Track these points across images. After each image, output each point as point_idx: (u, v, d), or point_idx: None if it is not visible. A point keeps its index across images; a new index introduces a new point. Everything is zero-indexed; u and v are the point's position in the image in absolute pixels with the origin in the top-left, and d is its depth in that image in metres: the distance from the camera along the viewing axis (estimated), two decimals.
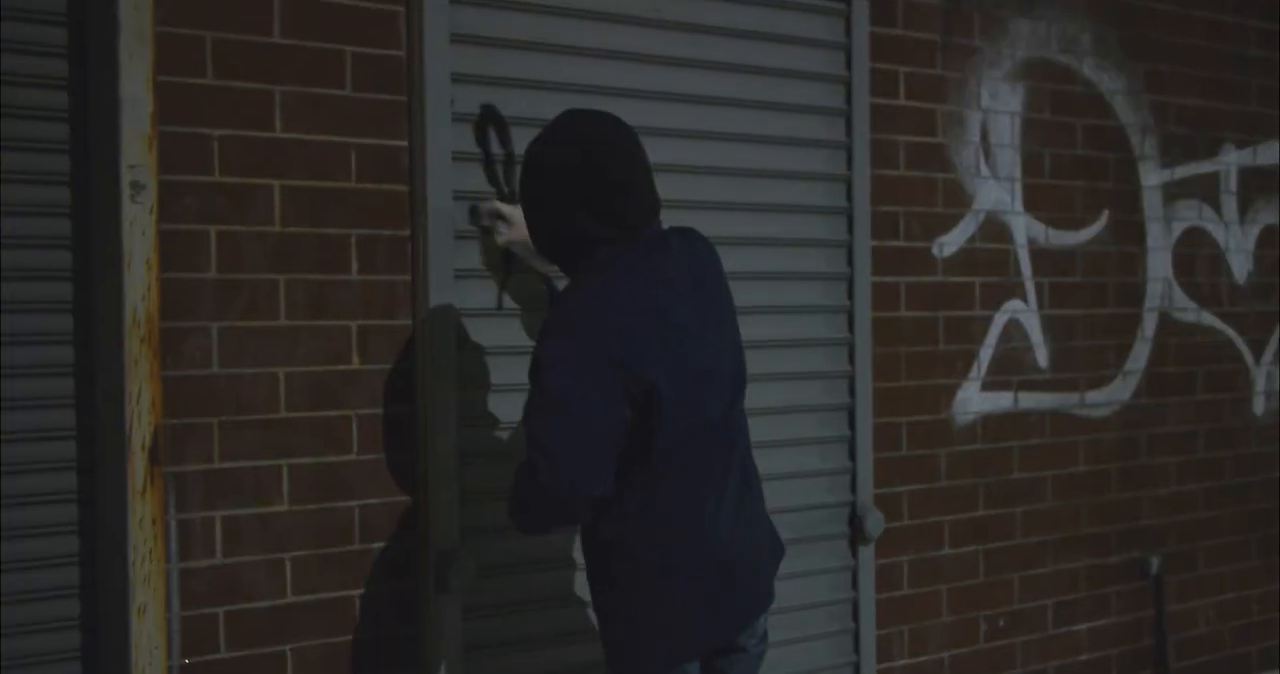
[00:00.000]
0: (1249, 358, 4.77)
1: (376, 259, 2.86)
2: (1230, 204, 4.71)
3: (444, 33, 2.89)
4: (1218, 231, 4.67)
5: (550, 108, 3.02)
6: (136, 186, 2.59)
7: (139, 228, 2.59)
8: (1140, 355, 4.41)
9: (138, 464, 2.59)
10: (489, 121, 2.98)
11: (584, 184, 2.41)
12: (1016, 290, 4.06)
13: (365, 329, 2.84)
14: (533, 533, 2.56)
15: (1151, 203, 4.45)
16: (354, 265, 2.83)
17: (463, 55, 2.93)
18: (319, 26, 2.79)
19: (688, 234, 2.57)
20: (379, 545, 2.85)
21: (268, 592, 2.72)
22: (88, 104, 2.63)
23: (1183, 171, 4.53)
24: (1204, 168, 4.60)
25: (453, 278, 2.91)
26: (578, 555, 3.06)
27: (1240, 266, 4.74)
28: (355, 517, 2.83)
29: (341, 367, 2.81)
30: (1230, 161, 4.68)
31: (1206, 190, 4.62)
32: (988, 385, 3.98)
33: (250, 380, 2.71)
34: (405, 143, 2.89)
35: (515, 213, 2.77)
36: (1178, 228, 4.53)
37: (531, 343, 3.00)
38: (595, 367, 2.31)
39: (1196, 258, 4.59)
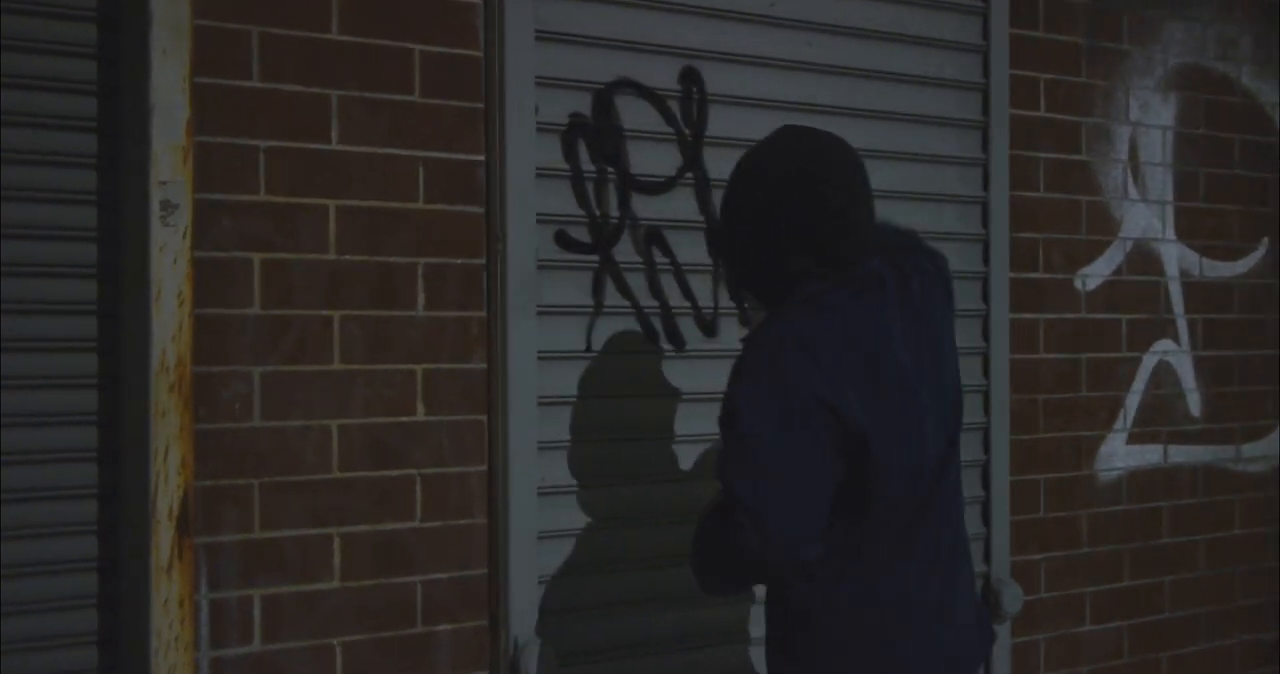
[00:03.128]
0: None
1: (446, 292, 2.49)
2: None
3: (527, 29, 2.51)
4: None
5: (648, 117, 2.65)
6: (168, 206, 2.22)
7: (170, 255, 2.23)
8: None
9: (164, 535, 2.21)
10: (579, 132, 2.59)
11: (802, 210, 2.10)
12: (1167, 329, 3.59)
13: (432, 374, 2.47)
14: (722, 595, 2.38)
15: None
16: (420, 299, 2.46)
17: (549, 55, 2.54)
18: (383, 21, 2.44)
19: (906, 261, 2.23)
20: (445, 628, 2.49)
21: None
22: (117, 111, 2.28)
23: None
24: None
25: (535, 314, 2.52)
26: (669, 639, 2.67)
27: None
28: (417, 594, 2.46)
29: (404, 418, 2.45)
30: None
31: None
32: (1135, 437, 3.53)
33: (297, 435, 2.35)
34: (481, 157, 2.52)
35: None
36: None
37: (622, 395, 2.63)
38: (800, 411, 2.02)
39: None
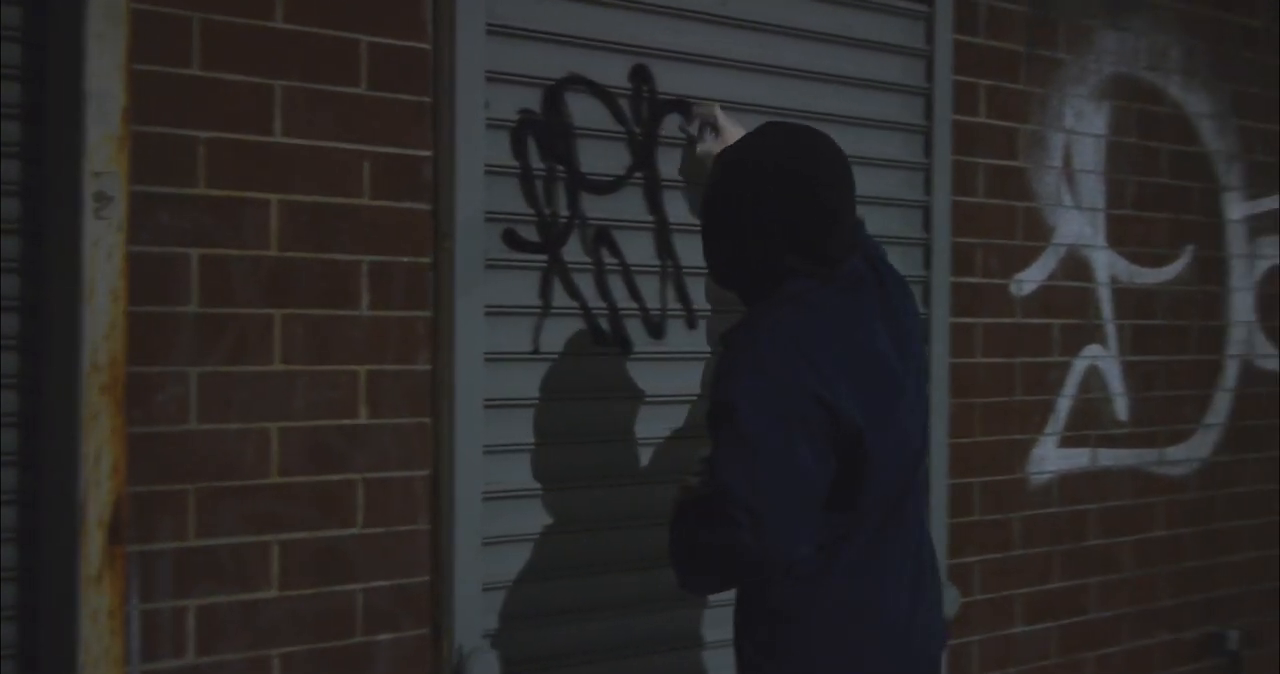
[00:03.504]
0: None
1: (392, 291, 2.40)
2: None
3: (478, 22, 2.44)
4: None
5: (599, 115, 2.60)
6: (102, 199, 2.11)
7: (104, 249, 2.11)
8: (1221, 407, 4.00)
9: (93, 544, 2.10)
10: (528, 129, 2.52)
11: (791, 206, 2.08)
12: (1097, 334, 3.64)
13: (376, 375, 2.38)
14: (705, 594, 2.33)
15: (1235, 238, 4.04)
16: (364, 298, 2.37)
17: (499, 50, 2.47)
18: (329, 10, 2.34)
19: (878, 265, 2.24)
20: (386, 637, 2.40)
21: None
22: (46, 97, 2.16)
23: (1267, 204, 4.13)
24: None
25: (482, 314, 2.45)
26: (619, 646, 2.62)
27: None
28: (359, 603, 2.37)
29: (346, 421, 2.36)
30: None
31: None
32: (1065, 440, 3.57)
33: (236, 438, 2.25)
34: (429, 152, 2.44)
35: (732, 128, 2.52)
36: (1261, 266, 4.12)
37: (576, 397, 2.58)
38: (796, 408, 2.00)
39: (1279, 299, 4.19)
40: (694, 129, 2.61)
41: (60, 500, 2.13)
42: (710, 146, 2.58)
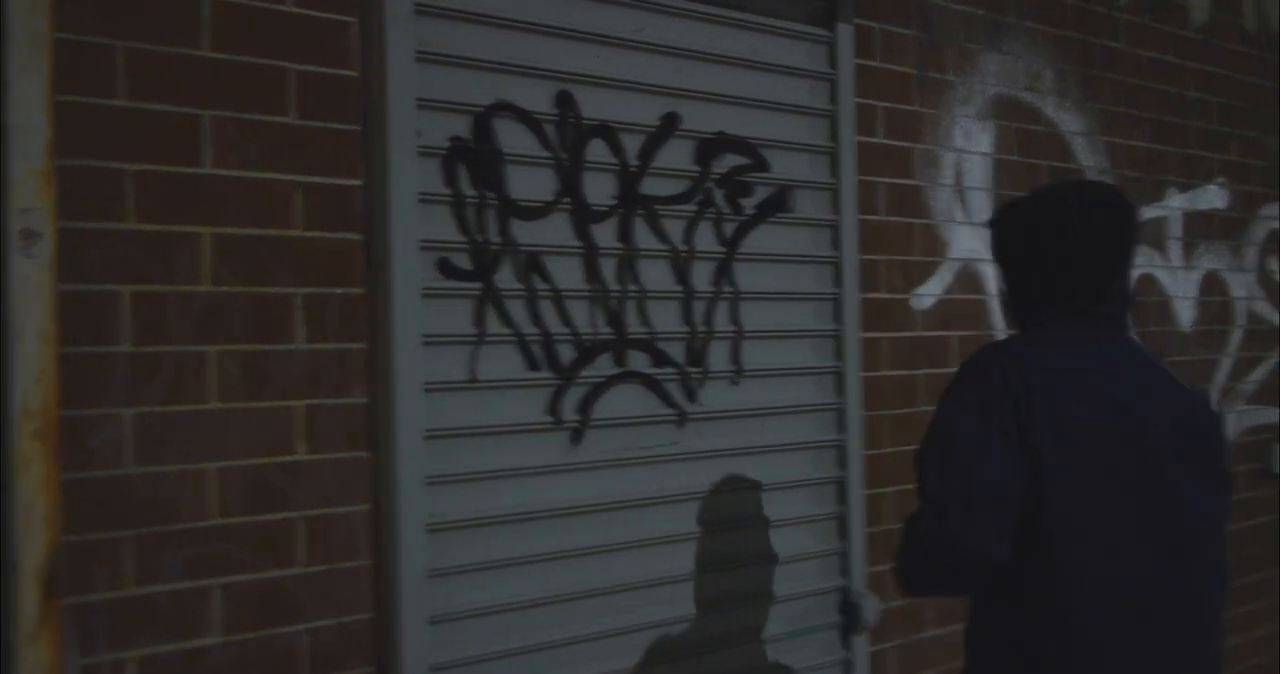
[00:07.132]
0: None
1: (327, 323, 2.35)
2: (1176, 249, 4.55)
3: (408, 50, 2.40)
4: (1165, 278, 4.50)
5: (527, 141, 2.60)
6: (29, 236, 2.02)
7: (32, 289, 2.02)
8: None
9: (28, 598, 2.00)
10: (459, 156, 2.50)
11: (1057, 245, 2.28)
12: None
13: (314, 410, 2.33)
14: (919, 593, 2.46)
15: None
16: (300, 331, 2.32)
17: (429, 77, 2.44)
18: (256, 39, 2.28)
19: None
20: None
21: None
22: None
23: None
24: (1153, 212, 4.43)
25: (420, 344, 2.41)
26: None
27: (1186, 315, 4.59)
28: (304, 645, 2.31)
29: (285, 458, 2.30)
30: (1175, 205, 4.53)
31: (1155, 235, 4.45)
32: None
33: (173, 480, 2.17)
34: (359, 181, 2.40)
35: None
36: (1133, 275, 4.33)
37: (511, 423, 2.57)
38: (998, 413, 2.09)
39: (1148, 306, 4.41)
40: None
41: None
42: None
